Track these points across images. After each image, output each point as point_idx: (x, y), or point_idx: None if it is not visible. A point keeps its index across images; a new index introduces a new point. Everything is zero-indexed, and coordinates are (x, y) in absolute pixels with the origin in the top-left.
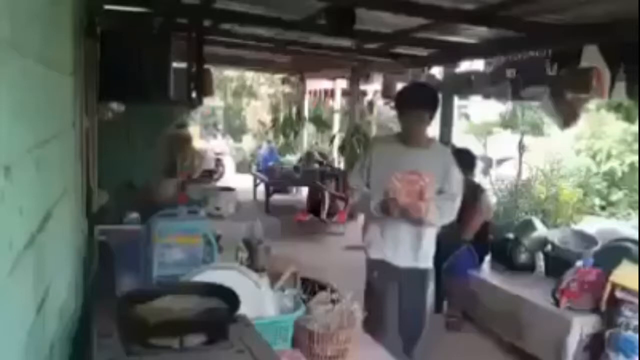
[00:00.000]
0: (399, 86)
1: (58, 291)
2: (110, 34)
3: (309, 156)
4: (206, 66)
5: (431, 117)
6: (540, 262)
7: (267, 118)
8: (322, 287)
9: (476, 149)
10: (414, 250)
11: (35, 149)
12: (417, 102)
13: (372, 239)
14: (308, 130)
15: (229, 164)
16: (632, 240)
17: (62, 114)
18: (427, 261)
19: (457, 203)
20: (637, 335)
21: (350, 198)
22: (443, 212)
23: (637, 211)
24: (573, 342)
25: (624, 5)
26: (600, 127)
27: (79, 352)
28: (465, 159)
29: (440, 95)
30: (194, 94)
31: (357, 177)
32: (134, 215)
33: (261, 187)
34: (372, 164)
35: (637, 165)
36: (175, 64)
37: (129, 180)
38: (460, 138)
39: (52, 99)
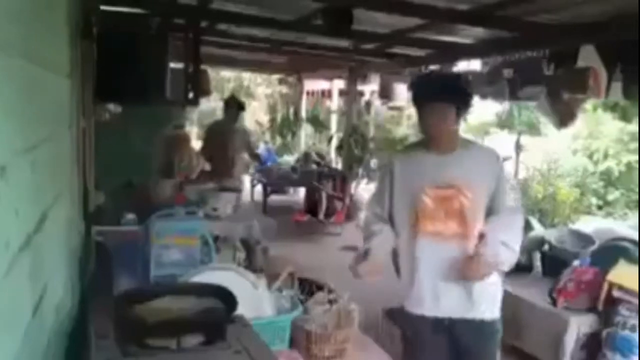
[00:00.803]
0: (396, 86)
1: (55, 292)
2: (106, 35)
3: (306, 157)
4: (203, 67)
5: (460, 113)
6: (538, 262)
7: (265, 118)
8: (320, 288)
9: None
10: (463, 297)
11: (31, 150)
12: (439, 93)
13: (404, 285)
14: (305, 131)
15: None
16: (629, 240)
17: (58, 114)
18: (487, 310)
19: (522, 222)
20: (634, 335)
21: (365, 242)
22: (512, 243)
23: (634, 211)
24: (570, 341)
25: (620, 4)
26: (597, 127)
27: (76, 352)
28: None
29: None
30: (191, 95)
31: (374, 205)
32: (131, 216)
33: (259, 188)
34: (394, 184)
35: (633, 165)
36: (172, 65)
37: (126, 181)
38: None
39: (48, 99)
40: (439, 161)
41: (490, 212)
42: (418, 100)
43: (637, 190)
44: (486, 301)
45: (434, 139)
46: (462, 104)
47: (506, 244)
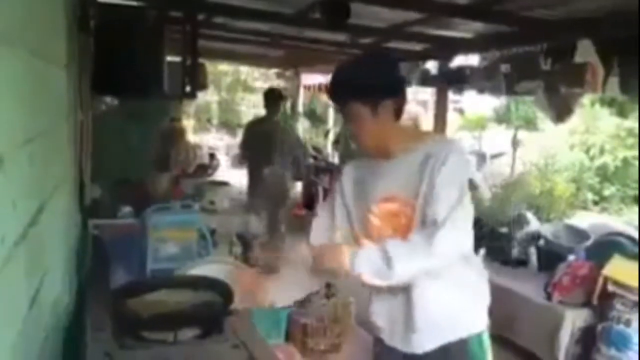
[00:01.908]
0: None
1: (51, 285)
2: (103, 27)
3: None
4: (200, 60)
5: (376, 105)
6: (533, 257)
7: (262, 113)
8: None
9: (470, 143)
10: (407, 326)
11: (29, 142)
12: (339, 91)
13: (367, 309)
14: (302, 125)
15: (223, 159)
16: (624, 235)
17: (55, 107)
18: (431, 339)
19: (441, 241)
20: (628, 329)
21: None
22: (390, 260)
23: (629, 206)
24: (565, 335)
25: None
26: (593, 122)
27: (73, 345)
28: None
29: (400, 70)
30: (188, 88)
31: (319, 233)
32: (128, 209)
33: None
34: (343, 197)
35: (629, 160)
36: (169, 58)
37: (123, 174)
38: (454, 133)
39: (45, 91)
40: (381, 170)
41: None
42: (333, 101)
43: (633, 185)
44: (435, 327)
45: (362, 146)
46: (377, 97)
47: (387, 258)
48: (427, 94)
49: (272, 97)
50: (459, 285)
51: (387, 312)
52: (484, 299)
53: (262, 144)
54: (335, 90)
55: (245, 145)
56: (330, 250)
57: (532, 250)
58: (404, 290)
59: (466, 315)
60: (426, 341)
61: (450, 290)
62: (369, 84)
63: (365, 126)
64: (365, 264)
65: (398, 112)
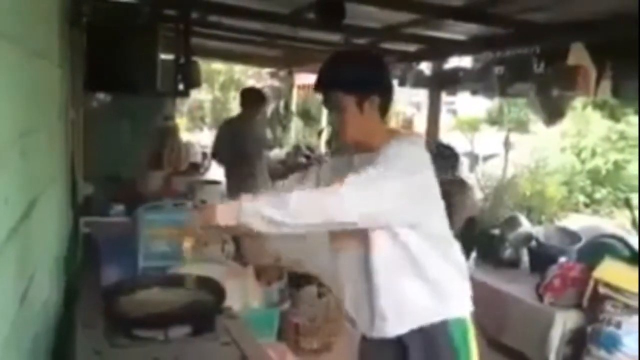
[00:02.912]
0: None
1: (42, 282)
2: (96, 24)
3: (296, 150)
4: (194, 58)
5: (361, 98)
6: (525, 258)
7: None
8: (309, 281)
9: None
10: (371, 307)
11: (21, 138)
12: (322, 77)
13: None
14: (296, 125)
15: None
16: (615, 237)
17: (47, 103)
18: (399, 324)
19: (349, 187)
20: (618, 331)
21: None
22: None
23: (620, 209)
24: (556, 336)
25: (611, 3)
26: (585, 125)
27: (64, 343)
28: (446, 154)
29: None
30: (181, 86)
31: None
32: (120, 207)
33: None
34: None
35: (620, 163)
36: (162, 56)
37: (115, 172)
38: (447, 134)
39: (37, 88)
40: (354, 162)
41: None
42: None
43: (624, 188)
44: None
45: (343, 137)
46: (362, 90)
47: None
48: (421, 95)
49: (249, 97)
50: (426, 270)
51: (353, 300)
52: (461, 285)
53: (232, 142)
54: (323, 78)
55: (217, 143)
56: (210, 209)
57: (524, 252)
58: (366, 279)
59: (437, 301)
60: (391, 327)
61: (414, 277)
62: (356, 75)
63: (348, 118)
64: (254, 208)
65: (383, 110)
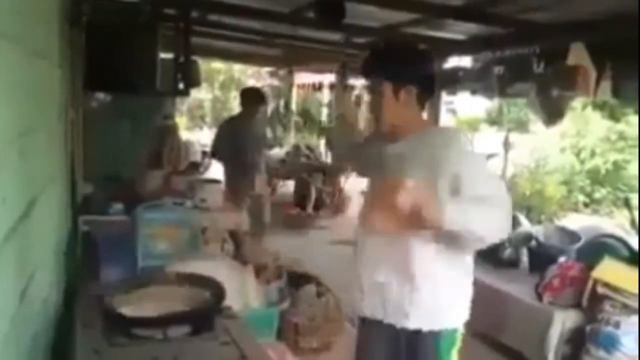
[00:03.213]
0: None
1: (42, 281)
2: (96, 24)
3: (296, 149)
4: (193, 57)
5: (398, 87)
6: (525, 258)
7: None
8: (308, 280)
9: None
10: (405, 300)
11: (20, 137)
12: (370, 65)
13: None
14: (296, 124)
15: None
16: (615, 237)
17: (47, 103)
18: (432, 318)
19: (500, 213)
20: (617, 331)
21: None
22: (467, 219)
23: (620, 209)
24: (555, 336)
25: (611, 3)
26: (585, 126)
27: (63, 341)
28: None
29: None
30: (181, 85)
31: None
32: (119, 206)
33: None
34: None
35: (620, 163)
36: (162, 55)
37: (114, 171)
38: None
39: (37, 87)
40: (389, 150)
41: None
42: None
43: (623, 188)
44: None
45: (379, 121)
46: (404, 79)
47: (464, 212)
48: None
49: (249, 97)
50: (450, 279)
51: (373, 284)
52: (467, 298)
53: (232, 141)
54: (366, 63)
55: (216, 142)
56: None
57: (524, 252)
58: (405, 266)
59: (448, 309)
60: (416, 319)
61: (447, 276)
62: (394, 64)
63: (385, 104)
64: (462, 222)
65: (421, 102)
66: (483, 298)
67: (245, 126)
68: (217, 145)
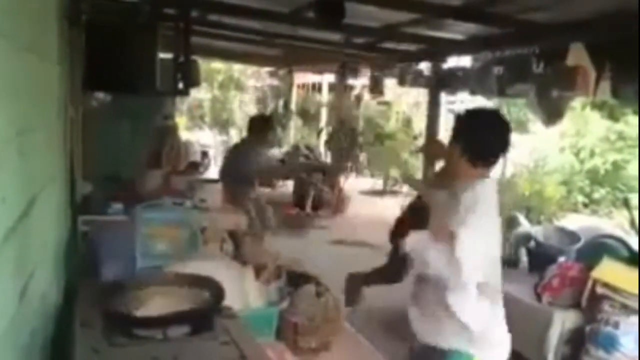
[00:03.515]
0: (387, 81)
1: (41, 281)
2: (95, 23)
3: (295, 149)
4: (193, 57)
5: (448, 146)
6: (524, 258)
7: (254, 111)
8: (307, 280)
9: None
10: (438, 315)
11: (19, 137)
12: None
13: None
14: (295, 124)
15: (214, 157)
16: (614, 237)
17: (46, 102)
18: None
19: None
20: (616, 331)
21: None
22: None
23: (619, 209)
24: (554, 336)
25: (611, 3)
26: (584, 126)
27: (62, 341)
28: None
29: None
30: (180, 85)
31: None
32: (118, 206)
33: None
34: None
35: (619, 163)
36: (161, 55)
37: (114, 171)
38: (447, 134)
39: (36, 87)
40: (436, 195)
41: None
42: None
43: (622, 189)
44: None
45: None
46: (464, 143)
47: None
48: (421, 95)
49: (257, 125)
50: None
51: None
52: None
53: (237, 165)
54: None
55: (224, 166)
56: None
57: (523, 252)
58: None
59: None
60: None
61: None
62: (472, 134)
63: (453, 162)
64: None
65: (471, 160)
66: None
67: (250, 152)
68: (224, 169)
